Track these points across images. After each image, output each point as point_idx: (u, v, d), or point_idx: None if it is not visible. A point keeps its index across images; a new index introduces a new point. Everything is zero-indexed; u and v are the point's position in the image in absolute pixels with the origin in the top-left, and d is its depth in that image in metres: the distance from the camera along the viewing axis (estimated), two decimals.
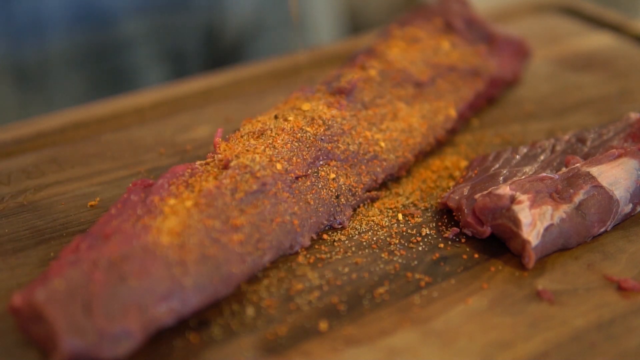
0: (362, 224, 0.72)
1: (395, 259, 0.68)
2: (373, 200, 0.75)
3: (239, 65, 1.07)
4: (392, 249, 0.69)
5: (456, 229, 0.71)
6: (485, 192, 0.69)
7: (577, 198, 0.68)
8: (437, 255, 0.68)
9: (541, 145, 0.79)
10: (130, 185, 0.67)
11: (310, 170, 0.71)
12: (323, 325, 0.61)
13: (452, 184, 0.78)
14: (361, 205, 0.74)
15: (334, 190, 0.72)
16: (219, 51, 1.34)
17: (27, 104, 1.21)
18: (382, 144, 0.77)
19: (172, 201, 0.65)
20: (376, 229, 0.72)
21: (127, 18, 1.23)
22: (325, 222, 0.71)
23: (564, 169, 0.72)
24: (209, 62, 1.33)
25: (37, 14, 1.17)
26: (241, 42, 1.36)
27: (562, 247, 0.68)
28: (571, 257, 0.68)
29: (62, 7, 1.18)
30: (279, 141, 0.71)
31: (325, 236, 0.70)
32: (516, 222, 0.66)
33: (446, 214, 0.73)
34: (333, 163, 0.73)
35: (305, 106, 0.76)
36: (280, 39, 1.39)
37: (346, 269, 0.67)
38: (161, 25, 1.27)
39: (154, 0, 1.25)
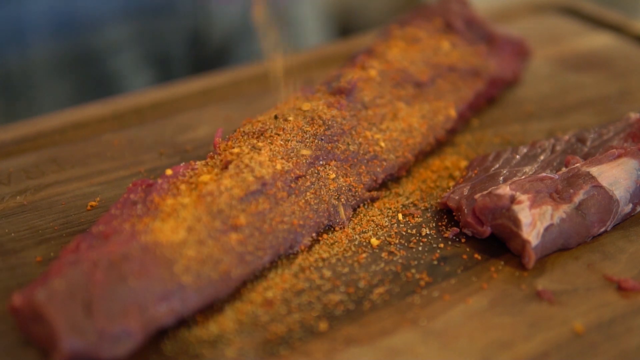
0: (362, 223, 0.72)
1: (395, 259, 0.68)
2: (373, 200, 0.75)
3: (231, 68, 1.07)
4: (392, 249, 0.69)
5: (456, 229, 0.71)
6: (485, 192, 0.69)
7: (577, 198, 0.68)
8: (437, 255, 0.68)
9: (541, 145, 0.79)
10: (130, 185, 0.67)
11: (310, 170, 0.71)
12: (323, 325, 0.61)
13: (452, 184, 0.78)
14: (361, 205, 0.74)
15: (334, 190, 0.72)
16: (205, 55, 1.34)
17: (12, 111, 1.21)
18: (382, 144, 0.77)
19: (171, 201, 0.65)
20: (376, 229, 0.72)
21: (111, 23, 1.23)
22: (325, 222, 0.71)
23: (564, 169, 0.72)
24: (195, 66, 1.32)
25: (20, 21, 1.17)
26: (227, 46, 1.35)
27: (562, 247, 0.68)
28: (571, 257, 0.68)
29: (45, 13, 1.17)
30: (279, 141, 0.71)
31: (325, 236, 0.70)
32: (516, 222, 0.66)
33: (446, 214, 0.73)
34: (333, 163, 0.73)
35: (305, 106, 0.76)
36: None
37: (346, 269, 0.67)
38: (146, 30, 1.26)
39: (138, 5, 1.24)
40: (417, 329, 0.61)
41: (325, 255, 0.68)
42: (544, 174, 0.70)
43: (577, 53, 1.07)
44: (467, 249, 0.69)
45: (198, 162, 0.70)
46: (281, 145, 0.71)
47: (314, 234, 0.69)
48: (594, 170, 0.70)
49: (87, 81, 1.25)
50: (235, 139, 0.73)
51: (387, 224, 0.72)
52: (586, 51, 1.07)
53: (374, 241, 0.70)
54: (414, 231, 0.71)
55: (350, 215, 0.73)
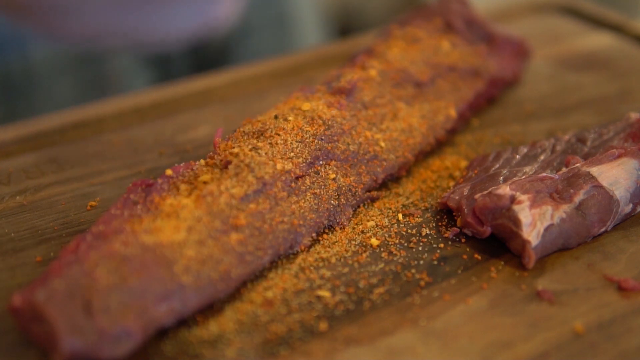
0: (362, 223, 0.72)
1: (395, 259, 0.68)
2: (373, 200, 0.75)
3: (229, 68, 1.07)
4: (392, 249, 0.69)
5: (456, 229, 0.71)
6: (485, 192, 0.69)
7: (577, 198, 0.68)
8: (437, 255, 0.68)
9: (541, 145, 0.79)
10: (130, 185, 0.67)
11: (310, 170, 0.71)
12: (323, 325, 0.61)
13: (452, 184, 0.78)
14: (361, 205, 0.74)
15: (334, 190, 0.72)
16: (204, 56, 1.34)
17: (13, 112, 1.21)
18: (382, 144, 0.77)
19: (171, 201, 0.65)
20: (376, 229, 0.72)
21: None
22: (325, 222, 0.71)
23: (564, 169, 0.72)
24: (195, 66, 1.32)
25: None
26: (226, 47, 1.35)
27: (562, 247, 0.68)
28: (571, 257, 0.68)
29: None
30: (279, 141, 0.71)
31: (325, 236, 0.70)
32: (516, 222, 0.66)
33: (446, 214, 0.73)
34: (333, 163, 0.73)
35: (305, 106, 0.76)
36: (265, 42, 1.38)
37: (346, 269, 0.67)
38: None
39: None
40: (417, 329, 0.61)
41: (325, 255, 0.68)
42: (544, 174, 0.70)
43: (577, 53, 1.07)
44: (467, 249, 0.69)
45: (198, 162, 0.70)
46: (281, 145, 0.71)
47: (314, 234, 0.69)
48: (594, 170, 0.70)
49: (88, 82, 1.25)
50: (235, 139, 0.73)
51: (387, 224, 0.72)
52: (586, 51, 1.07)
53: (374, 241, 0.70)
54: (414, 231, 0.71)
55: (350, 215, 0.73)
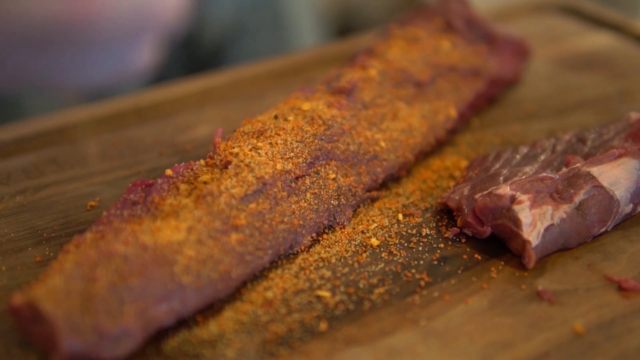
0: (362, 223, 0.72)
1: (395, 259, 0.68)
2: (373, 200, 0.75)
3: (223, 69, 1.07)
4: (392, 249, 0.69)
5: (456, 229, 0.71)
6: (485, 192, 0.69)
7: (578, 198, 0.68)
8: (437, 255, 0.68)
9: (541, 145, 0.79)
10: (130, 185, 0.67)
11: (310, 170, 0.71)
12: (323, 325, 0.61)
13: (452, 184, 0.78)
14: (361, 205, 0.74)
15: (334, 190, 0.72)
16: (198, 57, 1.33)
17: (4, 118, 1.20)
18: (382, 144, 0.77)
19: (171, 201, 0.65)
20: (376, 229, 0.71)
21: None
22: (325, 222, 0.70)
23: (564, 169, 0.72)
24: (188, 68, 1.32)
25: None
26: (221, 47, 1.35)
27: (562, 247, 0.68)
28: (571, 257, 0.68)
29: None
30: (279, 141, 0.71)
31: (325, 236, 0.70)
32: (516, 222, 0.66)
33: (446, 214, 0.73)
34: (333, 163, 0.73)
35: (305, 106, 0.76)
36: (261, 42, 1.38)
37: (346, 269, 0.67)
38: None
39: None
40: (417, 329, 0.61)
41: (325, 255, 0.68)
42: (544, 174, 0.70)
43: (577, 53, 1.07)
44: (467, 249, 0.69)
45: (198, 162, 0.70)
46: (281, 145, 0.71)
47: (314, 234, 0.69)
48: (595, 170, 0.70)
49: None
50: (235, 139, 0.73)
51: (387, 224, 0.72)
52: (586, 51, 1.07)
53: (374, 241, 0.70)
54: (414, 231, 0.71)
55: (350, 216, 0.72)
